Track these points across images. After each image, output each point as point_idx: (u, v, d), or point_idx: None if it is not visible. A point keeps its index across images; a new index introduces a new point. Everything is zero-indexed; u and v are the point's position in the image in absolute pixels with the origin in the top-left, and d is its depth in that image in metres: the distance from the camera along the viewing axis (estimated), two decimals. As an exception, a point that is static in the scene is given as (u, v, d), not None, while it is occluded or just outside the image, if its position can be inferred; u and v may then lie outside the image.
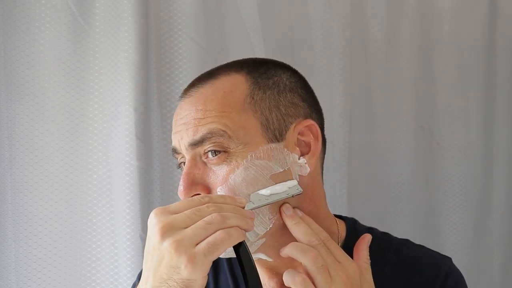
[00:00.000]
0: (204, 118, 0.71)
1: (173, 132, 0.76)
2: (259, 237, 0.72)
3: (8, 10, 1.04)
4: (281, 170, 0.72)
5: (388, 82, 1.36)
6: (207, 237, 0.61)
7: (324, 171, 0.83)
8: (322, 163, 0.81)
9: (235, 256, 0.68)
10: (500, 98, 1.44)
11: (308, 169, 0.74)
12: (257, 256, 0.75)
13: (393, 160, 1.37)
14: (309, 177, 0.75)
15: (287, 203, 0.73)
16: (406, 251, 0.83)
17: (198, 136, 0.71)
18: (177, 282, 0.61)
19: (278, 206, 0.73)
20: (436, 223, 1.41)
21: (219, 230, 0.62)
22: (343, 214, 0.89)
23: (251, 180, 0.70)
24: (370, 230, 0.85)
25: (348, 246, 0.79)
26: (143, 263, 0.65)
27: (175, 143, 0.76)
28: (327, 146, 0.83)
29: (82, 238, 1.08)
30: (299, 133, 0.75)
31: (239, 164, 0.70)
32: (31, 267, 1.05)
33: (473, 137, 1.42)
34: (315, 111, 0.79)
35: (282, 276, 0.70)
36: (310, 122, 0.76)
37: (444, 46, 1.39)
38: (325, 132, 0.82)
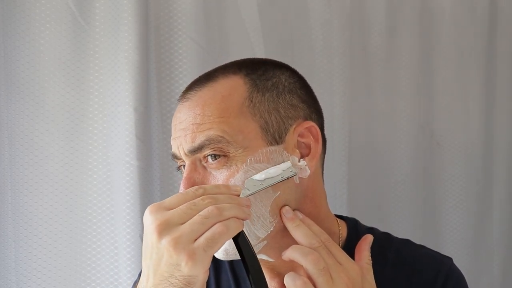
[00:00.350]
0: (202, 123, 0.71)
1: (172, 137, 0.76)
2: (260, 240, 0.72)
3: (8, 10, 1.04)
4: None
5: (388, 82, 1.36)
6: (205, 231, 0.61)
7: (324, 171, 0.82)
8: (323, 163, 0.81)
9: (237, 258, 0.68)
10: (500, 98, 1.44)
11: (308, 171, 0.74)
12: (259, 257, 0.75)
13: (393, 160, 1.37)
14: (310, 179, 0.75)
15: (287, 205, 0.73)
16: (407, 251, 0.83)
17: (196, 143, 0.71)
18: (179, 279, 0.61)
19: (279, 209, 0.72)
20: (436, 223, 1.41)
21: (216, 223, 0.62)
22: (343, 214, 0.89)
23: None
24: (371, 230, 0.85)
25: (349, 247, 0.79)
26: (142, 260, 0.65)
27: (174, 149, 0.75)
28: (327, 146, 0.83)
29: (82, 238, 1.08)
30: (299, 135, 0.75)
31: (239, 168, 0.70)
32: (31, 267, 1.05)
33: (473, 137, 1.42)
34: (315, 111, 0.78)
35: (283, 276, 0.70)
36: (310, 123, 0.75)
37: (444, 46, 1.39)
38: (325, 132, 0.82)
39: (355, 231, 0.83)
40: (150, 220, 0.62)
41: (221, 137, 0.70)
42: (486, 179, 1.44)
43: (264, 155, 0.71)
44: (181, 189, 0.71)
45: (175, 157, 0.76)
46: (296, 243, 0.71)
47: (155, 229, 0.61)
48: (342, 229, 0.83)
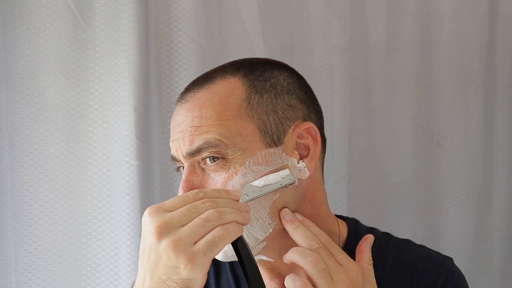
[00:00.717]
0: (200, 126, 0.71)
1: (170, 139, 0.76)
2: (259, 241, 0.72)
3: (8, 10, 1.04)
4: None
5: (388, 82, 1.36)
6: (205, 234, 0.61)
7: (324, 171, 0.82)
8: (322, 164, 0.81)
9: (236, 259, 0.68)
10: (500, 98, 1.44)
11: (308, 172, 0.74)
12: (258, 258, 0.75)
13: (393, 160, 1.37)
14: (309, 179, 0.75)
15: (286, 207, 0.73)
16: (407, 251, 0.83)
17: (194, 146, 0.71)
18: (176, 283, 0.60)
19: (278, 210, 0.72)
20: (436, 223, 1.41)
21: (217, 227, 0.61)
22: (343, 214, 0.89)
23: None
24: (371, 230, 0.85)
25: (350, 247, 0.79)
26: (139, 263, 0.64)
27: (173, 151, 0.75)
28: (327, 146, 0.82)
29: (82, 238, 1.08)
30: (297, 136, 0.74)
31: (237, 170, 0.70)
32: (31, 267, 1.05)
33: (473, 137, 1.42)
34: (314, 111, 0.78)
35: (283, 277, 0.70)
36: (309, 124, 0.75)
37: (444, 46, 1.39)
38: (325, 132, 0.82)
39: (355, 231, 0.83)
40: (149, 221, 0.61)
41: (219, 140, 0.70)
42: (486, 179, 1.44)
43: (263, 157, 0.71)
44: (180, 191, 0.71)
45: (174, 159, 0.76)
46: (295, 244, 0.71)
47: (155, 230, 0.60)
48: (343, 229, 0.83)
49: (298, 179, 0.73)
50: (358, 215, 0.92)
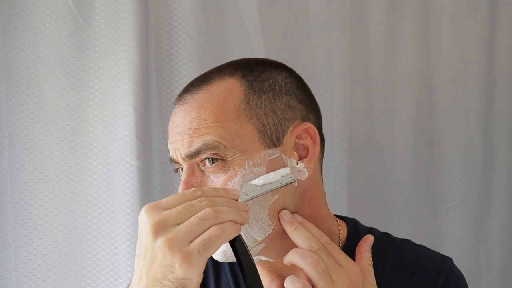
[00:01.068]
0: (198, 128, 0.71)
1: (169, 141, 0.76)
2: (258, 242, 0.72)
3: (8, 10, 1.04)
4: None
5: (388, 82, 1.36)
6: (201, 233, 0.60)
7: (324, 171, 0.82)
8: (321, 163, 0.81)
9: (235, 260, 0.68)
10: (500, 98, 1.44)
11: (307, 173, 0.73)
12: (258, 258, 0.75)
13: (393, 160, 1.37)
14: (308, 180, 0.74)
15: (285, 209, 0.72)
16: (407, 252, 0.83)
17: (193, 148, 0.71)
18: (171, 282, 0.60)
19: (277, 212, 0.72)
20: (436, 223, 1.41)
21: (213, 226, 0.61)
22: (343, 214, 0.89)
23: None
24: (371, 230, 0.85)
25: (349, 247, 0.79)
26: (135, 261, 0.64)
27: (171, 153, 0.75)
28: (327, 146, 0.83)
29: (82, 238, 1.08)
30: (296, 137, 0.74)
31: (236, 172, 0.70)
32: (31, 267, 1.05)
33: (473, 137, 1.42)
34: (312, 111, 0.78)
35: (283, 278, 0.70)
36: (308, 125, 0.75)
37: (444, 46, 1.39)
38: (325, 132, 0.82)
39: (355, 231, 0.83)
40: (145, 219, 0.61)
41: (218, 142, 0.70)
42: (486, 179, 1.44)
43: (262, 158, 0.71)
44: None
45: (172, 161, 0.76)
46: (295, 245, 0.71)
47: (151, 228, 0.60)
48: (342, 230, 0.83)
49: (297, 179, 0.73)
50: (358, 215, 0.92)
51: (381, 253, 0.80)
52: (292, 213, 0.73)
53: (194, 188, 0.66)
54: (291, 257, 0.69)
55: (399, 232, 0.91)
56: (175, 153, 0.74)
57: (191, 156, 0.71)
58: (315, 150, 0.75)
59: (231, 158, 0.70)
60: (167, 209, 0.62)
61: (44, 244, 1.06)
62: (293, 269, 0.70)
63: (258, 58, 0.82)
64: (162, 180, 1.14)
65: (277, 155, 0.72)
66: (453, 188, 1.41)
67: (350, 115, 1.30)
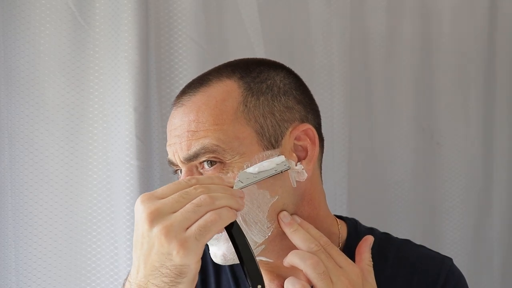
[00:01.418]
0: (197, 131, 0.70)
1: (167, 143, 0.75)
2: (258, 244, 0.72)
3: (8, 10, 1.04)
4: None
5: (388, 82, 1.36)
6: (197, 220, 0.60)
7: (324, 171, 0.82)
8: (321, 164, 0.81)
9: (235, 262, 0.68)
10: (500, 98, 1.44)
11: (306, 174, 0.73)
12: (258, 258, 0.75)
13: (393, 160, 1.37)
14: (307, 181, 0.74)
15: (284, 210, 0.72)
16: (407, 252, 0.83)
17: (192, 152, 0.70)
18: (170, 269, 0.60)
19: (276, 213, 0.72)
20: (436, 223, 1.41)
21: (209, 212, 0.61)
22: (343, 214, 0.89)
23: (248, 190, 0.69)
24: (371, 230, 0.85)
25: (349, 247, 0.79)
26: (133, 252, 0.64)
27: (170, 156, 0.75)
28: (327, 146, 0.82)
29: (82, 238, 1.08)
30: (295, 138, 0.74)
31: (235, 174, 0.70)
32: (31, 267, 1.05)
33: (473, 137, 1.42)
34: (311, 111, 0.77)
35: (282, 278, 0.70)
36: (307, 126, 0.74)
37: (444, 46, 1.39)
38: (325, 132, 0.82)
39: (355, 231, 0.83)
40: (141, 209, 0.61)
41: (217, 146, 0.69)
42: (486, 179, 1.44)
43: (261, 160, 0.70)
44: None
45: (171, 163, 0.76)
46: (295, 245, 0.71)
47: (146, 217, 0.60)
48: (342, 230, 0.83)
49: (296, 181, 0.73)
50: (358, 215, 0.92)
51: (381, 253, 0.80)
52: (291, 214, 0.73)
53: (189, 177, 0.67)
54: (291, 259, 0.69)
55: (399, 232, 0.91)
56: (174, 156, 0.74)
57: (190, 159, 0.71)
58: (314, 151, 0.75)
59: (229, 161, 0.70)
60: (162, 198, 0.62)
61: (44, 244, 1.06)
62: (293, 270, 0.70)
63: (256, 59, 0.82)
64: (162, 180, 1.14)
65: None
66: (453, 188, 1.41)
67: (350, 115, 1.30)
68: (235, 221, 0.65)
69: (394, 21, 1.35)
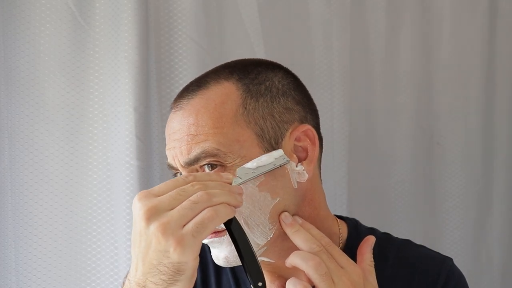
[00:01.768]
0: (196, 135, 0.70)
1: (167, 147, 0.75)
2: (260, 247, 0.72)
3: (8, 10, 1.04)
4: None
5: (388, 82, 1.36)
6: (194, 217, 0.60)
7: (324, 171, 0.82)
8: (320, 163, 0.81)
9: (237, 264, 0.68)
10: (500, 98, 1.44)
11: (307, 175, 0.73)
12: (260, 259, 0.75)
13: (393, 160, 1.37)
14: (308, 181, 0.74)
15: (285, 211, 0.72)
16: (407, 252, 0.83)
17: (192, 156, 0.70)
18: (167, 267, 0.60)
19: (278, 215, 0.72)
20: (436, 223, 1.41)
21: (206, 208, 0.60)
22: (343, 214, 0.89)
23: (250, 193, 0.70)
24: (371, 230, 0.85)
25: (350, 247, 0.79)
26: (131, 250, 0.63)
27: (170, 160, 0.75)
28: (327, 146, 0.82)
29: (82, 238, 1.08)
30: (295, 139, 0.74)
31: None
32: (31, 267, 1.05)
33: (473, 137, 1.42)
34: (310, 111, 0.77)
35: (284, 279, 0.70)
36: (306, 127, 0.74)
37: (444, 46, 1.39)
38: (325, 132, 0.82)
39: (355, 231, 0.83)
40: (138, 206, 0.60)
41: (217, 149, 0.69)
42: (486, 179, 1.44)
43: None
44: None
45: (171, 167, 0.75)
46: (296, 246, 0.71)
47: (143, 215, 0.59)
48: (343, 230, 0.83)
49: (297, 182, 0.73)
50: (358, 215, 0.92)
51: (382, 253, 0.80)
52: (292, 215, 0.73)
53: (186, 174, 0.66)
54: (293, 260, 0.69)
55: (399, 232, 0.91)
56: (174, 160, 0.73)
57: (190, 163, 0.71)
58: (314, 152, 0.75)
59: (230, 164, 0.70)
60: (159, 196, 0.61)
61: (44, 244, 1.06)
62: (294, 270, 0.70)
63: (254, 59, 0.81)
64: (162, 180, 1.13)
65: None
66: (453, 188, 1.41)
67: (350, 115, 1.30)
68: (234, 217, 0.65)
69: (394, 21, 1.35)
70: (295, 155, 0.73)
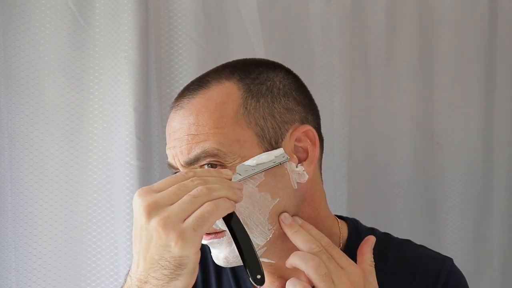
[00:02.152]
0: (197, 134, 0.70)
1: (167, 146, 0.75)
2: (259, 247, 0.72)
3: (8, 10, 1.04)
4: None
5: (388, 82, 1.36)
6: (194, 211, 0.60)
7: (324, 171, 0.82)
8: (321, 164, 0.80)
9: (238, 264, 0.68)
10: (500, 98, 1.44)
11: (307, 176, 0.73)
12: (260, 260, 0.75)
13: (393, 160, 1.37)
14: (308, 182, 0.74)
15: (285, 212, 0.72)
16: (407, 252, 0.82)
17: (192, 155, 0.70)
18: (169, 261, 0.60)
19: (277, 215, 0.72)
20: (436, 223, 1.41)
21: (206, 202, 0.61)
22: (343, 214, 0.89)
23: (249, 193, 0.69)
24: (372, 230, 0.85)
25: (350, 247, 0.79)
26: (133, 247, 0.63)
27: (170, 159, 0.75)
28: (327, 146, 0.82)
29: (82, 238, 1.08)
30: (296, 140, 0.74)
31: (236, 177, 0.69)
32: (31, 267, 1.05)
33: (473, 137, 1.42)
34: (310, 112, 0.77)
35: (284, 279, 0.70)
36: (307, 127, 0.74)
37: (444, 46, 1.39)
38: (325, 132, 0.82)
39: (356, 231, 0.83)
40: (138, 202, 0.61)
41: (218, 149, 0.69)
42: (486, 179, 1.44)
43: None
44: None
45: (171, 166, 0.75)
46: (296, 246, 0.71)
47: (144, 210, 0.60)
48: (343, 230, 0.83)
49: (297, 182, 0.73)
50: (358, 215, 0.92)
51: (382, 254, 0.80)
52: (292, 215, 0.73)
53: (186, 170, 0.66)
54: (293, 260, 0.69)
55: (399, 232, 0.91)
56: (174, 159, 0.73)
57: (190, 163, 0.71)
58: (314, 152, 0.74)
59: (230, 164, 0.69)
60: (160, 192, 0.62)
61: (44, 244, 1.06)
62: (294, 271, 0.70)
63: (255, 59, 0.81)
64: (162, 180, 1.14)
65: None
66: (453, 188, 1.41)
67: (350, 115, 1.30)
68: (234, 213, 0.65)
69: (394, 21, 1.35)
70: (295, 156, 0.73)
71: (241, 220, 0.68)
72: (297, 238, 0.71)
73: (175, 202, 0.60)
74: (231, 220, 0.65)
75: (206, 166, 0.70)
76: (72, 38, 1.08)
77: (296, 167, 0.73)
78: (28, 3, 1.05)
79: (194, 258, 0.60)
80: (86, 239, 1.09)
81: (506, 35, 1.43)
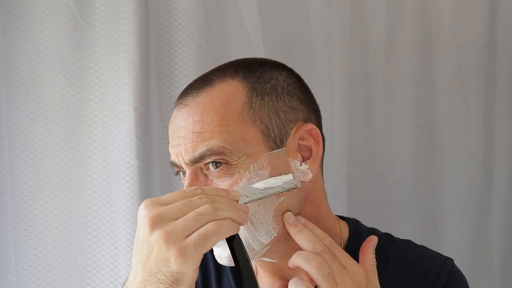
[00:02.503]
0: (202, 132, 0.70)
1: (170, 145, 0.75)
2: (263, 245, 0.72)
3: (8, 10, 1.04)
4: None
5: (388, 82, 1.36)
6: (198, 228, 0.60)
7: (324, 171, 0.82)
8: (322, 163, 0.81)
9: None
10: (500, 98, 1.44)
11: (311, 174, 0.73)
12: (261, 259, 0.75)
13: (393, 160, 1.37)
14: (311, 181, 0.74)
15: (289, 211, 0.72)
16: (408, 252, 0.82)
17: (197, 153, 0.70)
18: (166, 276, 0.59)
19: (282, 214, 0.72)
20: (436, 224, 1.41)
21: (210, 221, 0.61)
22: (343, 214, 0.89)
23: None
24: (372, 231, 0.85)
25: (351, 247, 0.79)
26: (132, 256, 0.63)
27: (173, 157, 0.74)
28: (327, 146, 0.82)
29: (82, 238, 1.08)
30: (299, 138, 0.74)
31: (241, 176, 0.69)
32: (31, 267, 1.05)
33: (473, 137, 1.42)
34: (313, 111, 0.77)
35: (285, 280, 0.70)
36: (310, 126, 0.74)
37: (444, 46, 1.39)
38: (325, 132, 0.82)
39: (357, 231, 0.83)
40: (143, 213, 0.61)
41: (223, 147, 0.69)
42: (486, 179, 1.44)
43: (267, 161, 0.70)
44: None
45: (174, 165, 0.75)
46: (298, 246, 0.71)
47: (148, 221, 0.60)
48: (344, 230, 0.83)
49: (301, 181, 0.73)
50: (358, 215, 0.92)
51: (382, 254, 0.80)
52: (295, 215, 0.73)
53: (194, 187, 0.66)
54: (295, 260, 0.69)
55: (399, 232, 0.91)
56: (177, 157, 0.73)
57: (195, 161, 0.70)
58: (318, 151, 0.75)
59: (236, 162, 0.69)
60: (166, 205, 0.62)
61: (44, 244, 1.06)
62: (296, 271, 0.70)
63: (257, 58, 0.81)
64: (162, 180, 1.14)
65: (281, 157, 0.71)
66: (453, 188, 1.41)
67: (350, 115, 1.30)
68: (237, 235, 0.65)
69: (394, 21, 1.35)
70: (299, 154, 0.73)
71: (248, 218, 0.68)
72: (300, 237, 0.71)
73: (180, 217, 0.60)
74: (233, 241, 0.65)
75: (210, 165, 0.70)
76: (72, 38, 1.08)
77: (300, 165, 0.73)
78: (28, 3, 1.05)
79: (192, 275, 0.60)
80: (86, 239, 1.09)
81: (506, 35, 1.43)
